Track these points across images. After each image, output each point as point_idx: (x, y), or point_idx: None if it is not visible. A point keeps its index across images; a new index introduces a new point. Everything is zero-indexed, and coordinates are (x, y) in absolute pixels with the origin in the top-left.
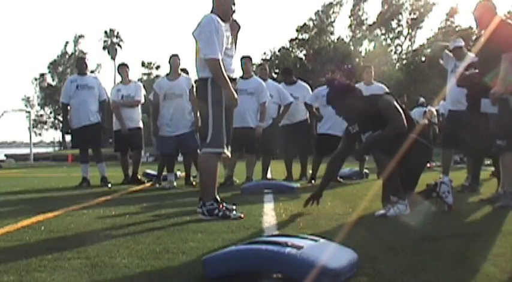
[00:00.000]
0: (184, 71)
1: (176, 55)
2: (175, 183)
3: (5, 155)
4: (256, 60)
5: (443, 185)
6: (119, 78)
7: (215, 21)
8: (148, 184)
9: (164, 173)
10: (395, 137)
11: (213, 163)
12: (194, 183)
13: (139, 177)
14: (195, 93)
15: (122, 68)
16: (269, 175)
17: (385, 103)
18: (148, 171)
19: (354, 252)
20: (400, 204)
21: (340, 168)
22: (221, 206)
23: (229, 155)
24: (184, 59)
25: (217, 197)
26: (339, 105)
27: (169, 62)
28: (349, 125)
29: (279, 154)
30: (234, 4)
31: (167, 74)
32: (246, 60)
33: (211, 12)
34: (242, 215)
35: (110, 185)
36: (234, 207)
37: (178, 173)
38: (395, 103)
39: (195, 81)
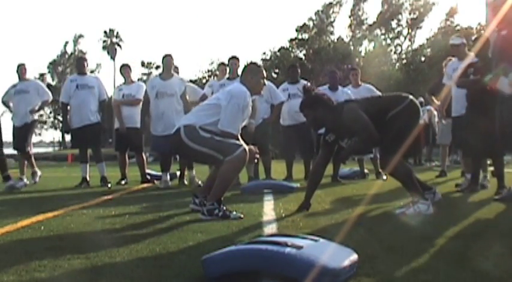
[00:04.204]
0: (175, 68)
1: (170, 55)
2: (170, 183)
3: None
4: (256, 60)
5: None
6: (118, 78)
7: (247, 98)
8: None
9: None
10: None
11: (237, 171)
12: (187, 182)
13: (148, 177)
14: (187, 95)
15: (124, 69)
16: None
17: (349, 116)
18: (149, 171)
19: (354, 252)
20: (421, 204)
21: (322, 177)
22: (221, 206)
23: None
24: (179, 58)
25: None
26: (309, 114)
27: (162, 61)
28: (325, 135)
29: (279, 154)
30: (263, 78)
31: (160, 74)
32: (233, 61)
33: (241, 82)
34: (242, 215)
35: (109, 185)
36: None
37: (178, 173)
38: (359, 111)
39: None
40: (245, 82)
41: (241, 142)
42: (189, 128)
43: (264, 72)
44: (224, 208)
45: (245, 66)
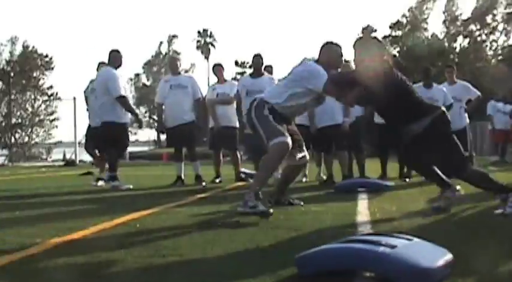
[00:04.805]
0: (269, 67)
1: (259, 55)
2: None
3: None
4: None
5: None
6: (212, 78)
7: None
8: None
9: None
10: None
11: (277, 160)
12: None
13: (242, 176)
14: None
15: (217, 68)
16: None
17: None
18: (243, 169)
19: (449, 252)
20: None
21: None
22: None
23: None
24: (273, 57)
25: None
26: (359, 57)
27: (252, 61)
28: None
29: (374, 152)
30: (341, 55)
31: (251, 73)
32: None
33: (317, 61)
34: (271, 211)
35: (204, 184)
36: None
37: None
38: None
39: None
40: (322, 60)
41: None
42: (260, 102)
43: (340, 49)
44: (258, 202)
45: (322, 45)
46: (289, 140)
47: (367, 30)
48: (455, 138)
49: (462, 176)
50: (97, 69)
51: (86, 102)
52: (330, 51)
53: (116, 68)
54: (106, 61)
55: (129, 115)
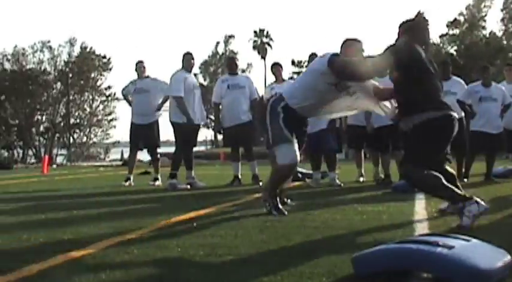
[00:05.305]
0: None
1: (314, 54)
2: (321, 181)
3: (159, 154)
4: None
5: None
6: (269, 78)
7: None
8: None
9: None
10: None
11: (281, 178)
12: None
13: (299, 176)
14: None
15: (276, 68)
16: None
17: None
18: (300, 169)
19: (508, 254)
20: None
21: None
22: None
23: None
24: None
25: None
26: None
27: (308, 60)
28: None
29: None
30: (362, 50)
31: None
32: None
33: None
34: (286, 212)
35: (261, 183)
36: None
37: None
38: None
39: None
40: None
41: (294, 147)
42: (277, 99)
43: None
44: (273, 204)
45: (343, 42)
46: (294, 148)
47: (420, 14)
48: (438, 148)
49: (403, 172)
50: (135, 69)
51: (127, 101)
52: (351, 47)
53: (190, 70)
54: (143, 60)
55: (198, 115)
